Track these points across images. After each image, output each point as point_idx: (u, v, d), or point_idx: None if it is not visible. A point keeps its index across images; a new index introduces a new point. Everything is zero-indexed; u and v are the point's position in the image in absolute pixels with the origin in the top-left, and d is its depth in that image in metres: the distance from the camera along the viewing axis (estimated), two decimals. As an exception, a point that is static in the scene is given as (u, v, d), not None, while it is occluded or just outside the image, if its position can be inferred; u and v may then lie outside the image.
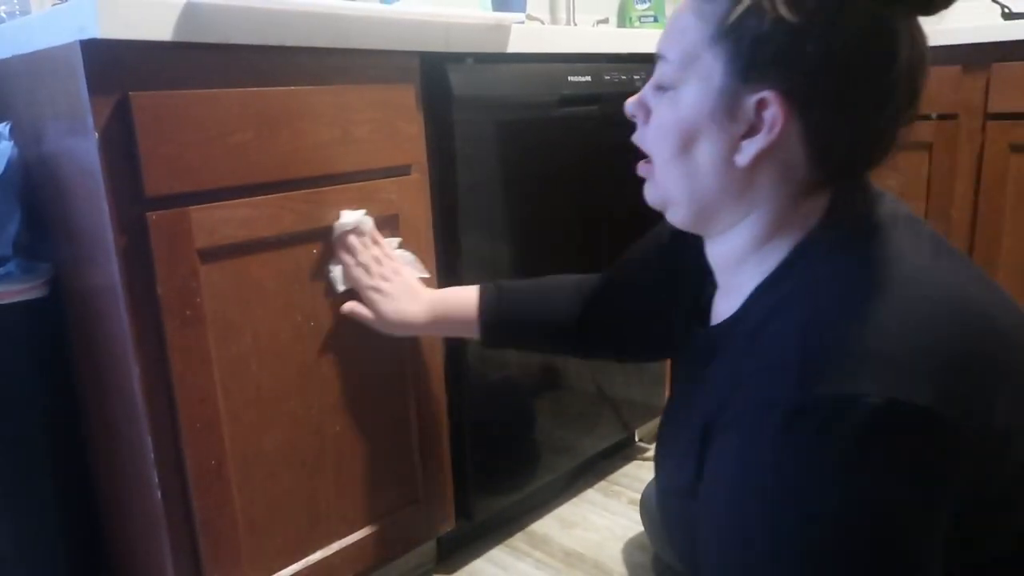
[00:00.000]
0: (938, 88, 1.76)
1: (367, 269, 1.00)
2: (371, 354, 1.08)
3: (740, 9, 0.59)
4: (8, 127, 0.98)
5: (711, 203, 0.66)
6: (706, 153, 0.64)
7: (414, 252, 1.10)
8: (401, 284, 1.01)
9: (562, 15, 2.15)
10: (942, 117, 1.77)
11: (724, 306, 0.72)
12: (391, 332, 1.03)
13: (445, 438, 1.22)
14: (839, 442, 0.51)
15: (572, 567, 1.32)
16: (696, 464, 0.66)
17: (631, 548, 1.36)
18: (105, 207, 0.82)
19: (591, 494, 1.55)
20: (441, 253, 1.17)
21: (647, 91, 0.70)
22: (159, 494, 0.89)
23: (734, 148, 0.62)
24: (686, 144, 0.65)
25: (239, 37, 0.88)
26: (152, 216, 0.83)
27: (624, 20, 2.26)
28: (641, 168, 0.73)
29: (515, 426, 1.34)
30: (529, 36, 1.22)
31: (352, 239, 0.99)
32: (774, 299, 0.63)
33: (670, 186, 0.69)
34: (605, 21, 2.23)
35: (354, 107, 1.00)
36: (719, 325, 0.71)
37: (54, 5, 1.09)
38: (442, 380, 1.20)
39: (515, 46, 1.19)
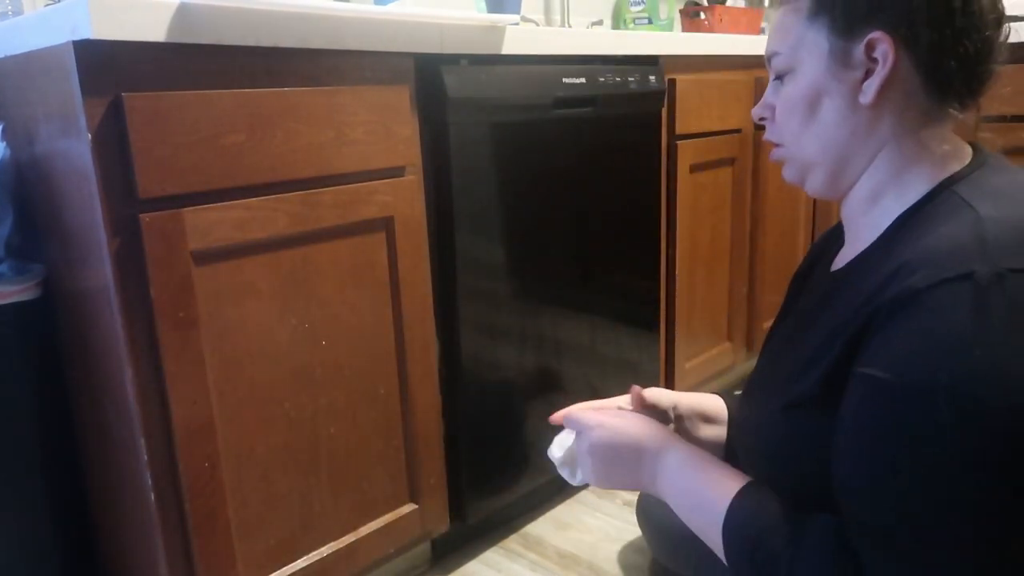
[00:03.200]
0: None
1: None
2: (365, 356, 1.08)
3: None
4: (0, 128, 0.98)
5: (844, 151, 0.73)
6: (831, 108, 0.72)
7: (411, 254, 1.10)
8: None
9: (556, 17, 2.15)
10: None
11: (850, 250, 0.77)
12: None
13: (439, 440, 1.22)
14: None
15: (566, 568, 1.32)
16: (823, 373, 0.68)
17: (625, 550, 1.36)
18: (98, 208, 0.81)
19: (585, 495, 1.55)
20: (435, 255, 1.17)
21: (768, 93, 0.79)
22: (152, 496, 0.89)
23: (856, 92, 0.70)
24: (812, 107, 0.73)
25: (232, 38, 0.87)
26: (145, 218, 0.83)
27: (618, 22, 2.26)
28: (775, 155, 0.80)
29: (509, 427, 1.34)
30: (523, 38, 1.22)
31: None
32: (921, 222, 0.66)
33: (805, 152, 0.76)
34: (599, 23, 2.24)
35: (348, 108, 1.00)
36: (851, 261, 0.75)
37: (47, 5, 1.09)
38: (436, 382, 1.20)
39: (509, 48, 1.20)
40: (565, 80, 1.29)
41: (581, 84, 1.31)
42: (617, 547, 1.37)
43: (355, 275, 1.05)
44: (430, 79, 1.11)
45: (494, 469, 1.32)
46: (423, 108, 1.11)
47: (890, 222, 0.70)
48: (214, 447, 0.93)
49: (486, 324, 1.24)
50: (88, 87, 0.79)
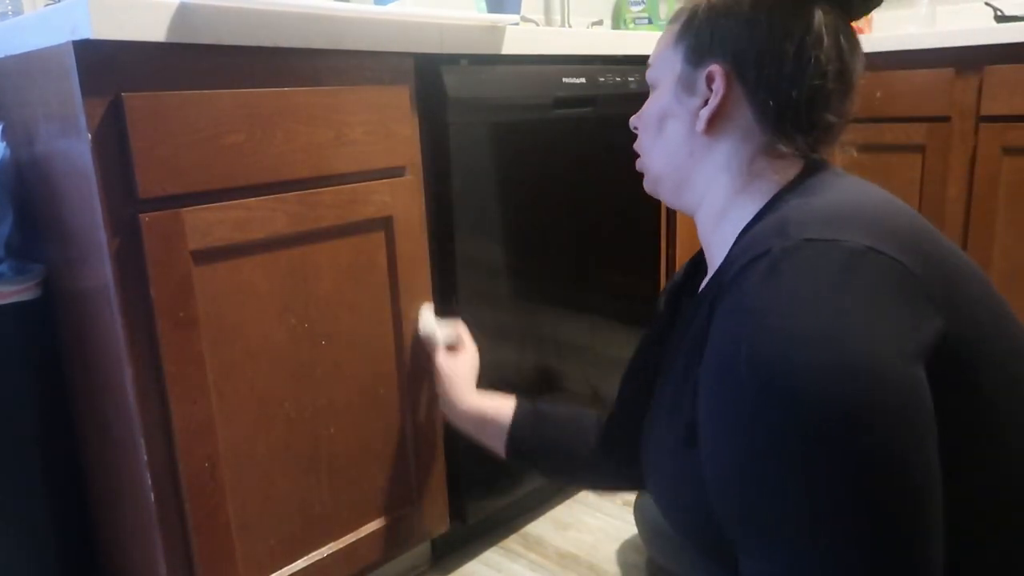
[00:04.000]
0: (931, 91, 1.77)
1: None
2: (365, 356, 1.08)
3: (691, 9, 0.74)
4: (0, 128, 0.98)
5: (684, 170, 0.77)
6: (674, 129, 0.76)
7: (410, 254, 1.10)
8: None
9: (556, 17, 2.15)
10: (934, 119, 1.78)
11: (709, 273, 0.77)
12: (449, 405, 1.12)
13: (439, 440, 1.22)
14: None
15: (566, 568, 1.32)
16: (689, 406, 0.67)
17: (625, 549, 1.36)
18: (98, 208, 0.81)
19: (585, 495, 1.55)
20: (435, 255, 1.17)
21: (645, 103, 0.82)
22: (152, 496, 0.89)
23: (694, 119, 0.74)
24: (660, 125, 0.78)
25: (232, 38, 0.87)
26: (145, 218, 0.83)
27: (618, 22, 2.26)
28: (638, 164, 0.84)
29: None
30: (523, 38, 1.22)
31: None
32: (752, 231, 0.68)
33: (654, 166, 0.81)
34: (599, 23, 2.24)
35: (348, 108, 1.00)
36: (705, 286, 0.76)
37: (47, 6, 1.09)
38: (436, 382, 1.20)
39: (509, 48, 1.20)
40: (565, 80, 1.29)
41: (581, 84, 1.31)
42: (617, 547, 1.37)
43: (355, 275, 1.05)
44: (430, 79, 1.11)
45: (494, 469, 1.32)
46: (423, 108, 1.11)
47: (734, 240, 0.72)
48: (214, 447, 0.93)
49: (486, 324, 1.24)
50: (88, 87, 0.79)
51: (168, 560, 0.92)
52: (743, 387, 0.55)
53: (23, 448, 1.02)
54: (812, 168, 0.71)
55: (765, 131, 0.71)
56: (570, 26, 2.13)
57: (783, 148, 0.70)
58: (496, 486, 1.33)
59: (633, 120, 0.84)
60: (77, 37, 0.77)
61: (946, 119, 1.76)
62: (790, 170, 0.71)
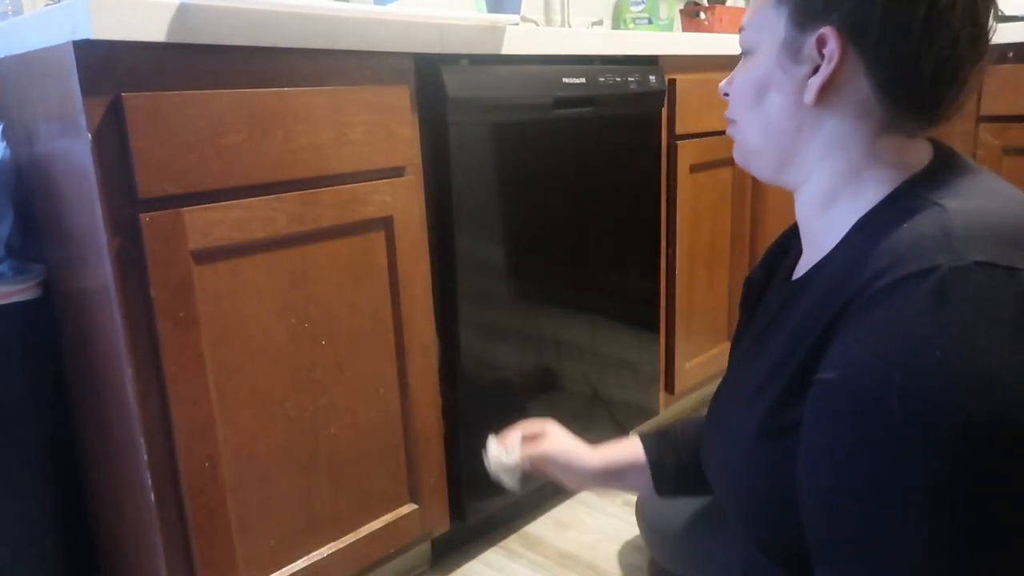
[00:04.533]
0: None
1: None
2: (365, 356, 1.08)
3: None
4: (0, 128, 0.98)
5: (787, 146, 0.70)
6: (777, 101, 0.69)
7: (410, 254, 1.10)
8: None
9: (557, 17, 2.15)
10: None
11: (809, 257, 0.73)
12: (573, 478, 1.07)
13: (439, 440, 1.22)
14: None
15: (566, 568, 1.32)
16: (785, 386, 0.64)
17: (625, 549, 1.36)
18: (98, 208, 0.81)
19: (585, 496, 1.55)
20: (436, 255, 1.17)
21: (737, 67, 0.75)
22: (152, 496, 0.89)
23: (801, 89, 0.66)
24: (759, 94, 0.70)
25: (232, 38, 0.87)
26: (145, 218, 0.83)
27: (618, 22, 2.26)
28: (729, 131, 0.77)
29: (509, 427, 1.34)
30: (524, 38, 1.22)
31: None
32: (882, 224, 0.61)
33: (750, 138, 0.73)
34: (600, 23, 2.24)
35: (348, 108, 1.00)
36: (810, 269, 0.70)
37: (47, 5, 1.09)
38: (436, 381, 1.20)
39: (510, 48, 1.20)
40: (565, 80, 1.29)
41: (581, 84, 1.31)
42: (617, 547, 1.37)
43: (355, 275, 1.05)
44: (430, 79, 1.11)
45: (494, 469, 1.32)
46: (423, 108, 1.11)
47: (848, 226, 0.66)
48: (214, 447, 0.93)
49: (486, 324, 1.24)
50: (88, 87, 0.79)
51: (168, 560, 0.92)
52: (890, 416, 0.52)
53: (23, 448, 1.02)
54: (944, 157, 0.65)
55: (883, 105, 0.64)
56: (570, 26, 2.13)
57: (908, 127, 0.64)
58: (496, 486, 1.33)
59: (723, 86, 0.76)
60: (77, 37, 0.77)
61: (946, 119, 1.76)
62: (918, 155, 0.66)
